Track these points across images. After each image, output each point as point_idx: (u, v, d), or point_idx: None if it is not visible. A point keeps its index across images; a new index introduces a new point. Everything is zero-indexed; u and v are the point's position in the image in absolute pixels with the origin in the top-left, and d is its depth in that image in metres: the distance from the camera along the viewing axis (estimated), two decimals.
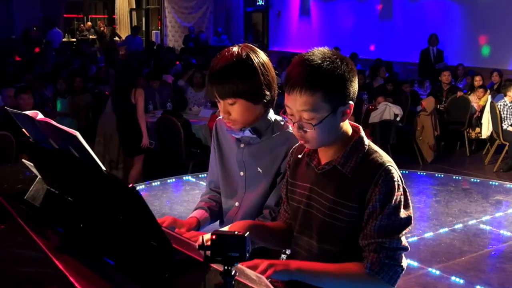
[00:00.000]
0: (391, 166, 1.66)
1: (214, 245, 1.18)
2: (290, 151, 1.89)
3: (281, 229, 1.87)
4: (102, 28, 20.11)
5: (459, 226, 4.93)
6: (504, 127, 7.36)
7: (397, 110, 7.47)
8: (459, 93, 8.55)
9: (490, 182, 6.24)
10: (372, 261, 1.63)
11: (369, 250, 1.64)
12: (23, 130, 1.79)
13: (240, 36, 17.27)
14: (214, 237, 1.19)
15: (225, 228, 1.71)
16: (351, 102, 1.67)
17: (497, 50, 11.32)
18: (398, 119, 7.53)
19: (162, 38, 19.26)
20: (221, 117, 2.00)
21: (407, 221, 1.66)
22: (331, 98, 1.62)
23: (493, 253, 4.49)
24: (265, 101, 1.92)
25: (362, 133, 1.74)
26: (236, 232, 1.20)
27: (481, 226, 4.96)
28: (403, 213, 1.65)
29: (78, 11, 21.39)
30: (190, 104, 7.80)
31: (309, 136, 1.66)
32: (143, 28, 20.75)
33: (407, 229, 1.66)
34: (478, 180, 6.34)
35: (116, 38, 18.41)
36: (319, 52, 1.65)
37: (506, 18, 11.14)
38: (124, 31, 20.20)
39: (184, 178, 6.14)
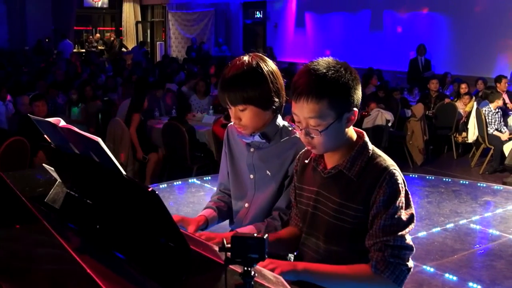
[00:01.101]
0: (395, 169, 1.64)
1: (234, 247, 1.15)
2: (297, 157, 1.87)
3: (292, 237, 1.82)
4: (112, 39, 20.14)
5: (450, 225, 4.90)
6: (489, 131, 7.35)
7: (388, 116, 7.46)
8: (446, 100, 8.55)
9: (478, 184, 6.21)
10: (377, 260, 1.60)
11: (375, 249, 1.61)
12: (45, 136, 1.76)
13: (239, 46, 17.29)
14: (234, 239, 1.16)
15: None
16: (355, 108, 1.65)
17: (481, 59, 11.32)
18: (389, 124, 7.53)
19: (166, 48, 19.29)
20: (232, 123, 1.98)
21: (410, 219, 1.65)
22: (336, 105, 1.60)
23: (483, 251, 4.46)
24: (273, 107, 1.90)
25: (366, 138, 1.72)
26: (255, 234, 1.18)
27: (471, 225, 4.94)
28: (406, 213, 1.64)
29: (87, 23, 21.44)
30: (194, 110, 7.78)
31: (316, 142, 1.64)
32: (148, 40, 20.77)
33: (410, 226, 1.65)
34: (467, 182, 6.30)
35: (124, 49, 18.44)
36: (323, 61, 1.63)
37: (489, 29, 11.14)
38: (130, 43, 20.24)
39: (189, 180, 6.11)
